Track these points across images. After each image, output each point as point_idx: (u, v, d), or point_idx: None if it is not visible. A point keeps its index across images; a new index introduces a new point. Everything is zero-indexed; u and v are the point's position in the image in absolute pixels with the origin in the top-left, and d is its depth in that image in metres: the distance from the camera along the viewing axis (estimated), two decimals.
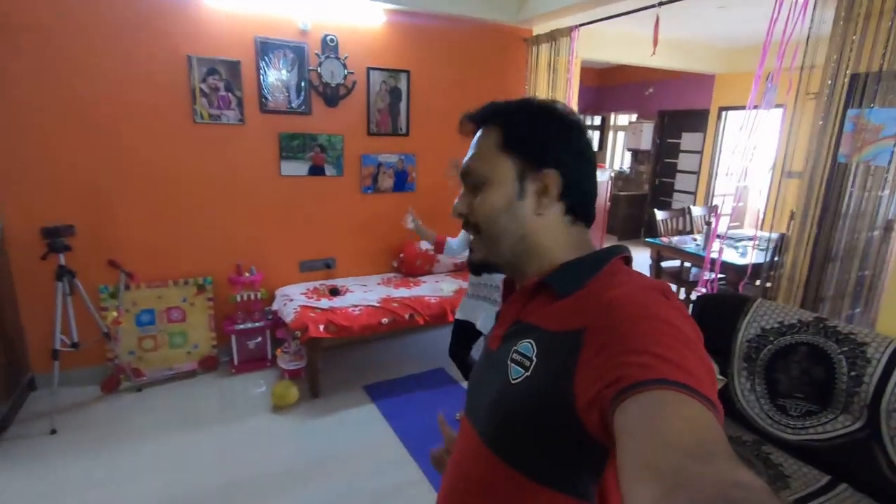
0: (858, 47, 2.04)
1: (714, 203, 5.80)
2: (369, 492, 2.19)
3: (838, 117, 2.09)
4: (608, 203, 6.90)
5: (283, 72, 3.18)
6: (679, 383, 0.42)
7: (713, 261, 3.14)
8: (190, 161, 3.07)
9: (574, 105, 3.94)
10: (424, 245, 3.67)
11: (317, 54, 3.24)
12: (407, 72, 3.57)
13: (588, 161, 0.69)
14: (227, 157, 3.16)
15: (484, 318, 2.42)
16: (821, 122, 2.14)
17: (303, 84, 3.25)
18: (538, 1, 3.56)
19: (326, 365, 3.11)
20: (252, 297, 3.22)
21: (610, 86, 7.65)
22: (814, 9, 2.21)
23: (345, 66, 3.33)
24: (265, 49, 3.10)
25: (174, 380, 3.08)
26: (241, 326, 3.18)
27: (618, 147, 8.10)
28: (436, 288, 3.46)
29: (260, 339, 3.28)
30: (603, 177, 6.75)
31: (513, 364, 0.61)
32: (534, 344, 0.60)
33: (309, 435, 2.59)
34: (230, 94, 3.07)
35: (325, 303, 3.10)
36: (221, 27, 2.98)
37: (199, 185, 3.13)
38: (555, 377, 0.55)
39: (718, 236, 4.15)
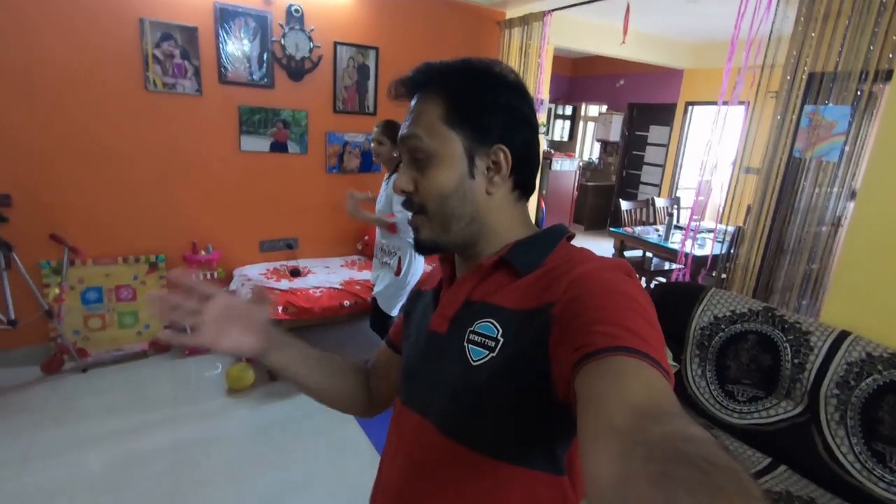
0: (816, 46, 2.09)
1: (677, 195, 5.94)
2: (328, 476, 2.16)
3: (795, 113, 2.15)
4: (576, 193, 6.99)
5: (245, 41, 3.04)
6: (640, 352, 0.44)
7: (686, 255, 3.20)
8: (142, 131, 2.90)
9: (545, 93, 3.94)
10: None
11: (280, 25, 3.10)
12: (376, 48, 3.47)
13: (534, 130, 0.65)
14: (183, 128, 3.01)
15: (381, 283, 2.53)
16: (779, 118, 2.19)
17: (265, 56, 3.11)
18: None
19: None
20: (208, 276, 3.10)
21: (582, 76, 7.69)
22: (776, 7, 2.25)
23: (310, 39, 3.20)
24: (225, 16, 2.94)
25: (123, 361, 2.94)
26: None
27: (588, 137, 8.18)
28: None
29: None
30: (572, 166, 6.82)
31: (471, 345, 0.59)
32: (497, 324, 0.58)
33: (266, 419, 2.53)
34: (186, 63, 2.91)
35: (285, 283, 3.02)
36: None
37: (153, 158, 2.97)
38: (529, 354, 0.54)
39: (683, 228, 4.26)
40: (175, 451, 2.23)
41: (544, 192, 6.04)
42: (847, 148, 2.00)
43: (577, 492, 0.60)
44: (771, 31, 2.24)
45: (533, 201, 5.53)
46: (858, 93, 1.90)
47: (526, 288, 0.59)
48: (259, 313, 0.68)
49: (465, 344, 0.60)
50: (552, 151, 6.95)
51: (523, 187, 0.66)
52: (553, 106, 7.74)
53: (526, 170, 0.65)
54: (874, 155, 1.81)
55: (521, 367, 0.55)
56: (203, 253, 3.12)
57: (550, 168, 6.36)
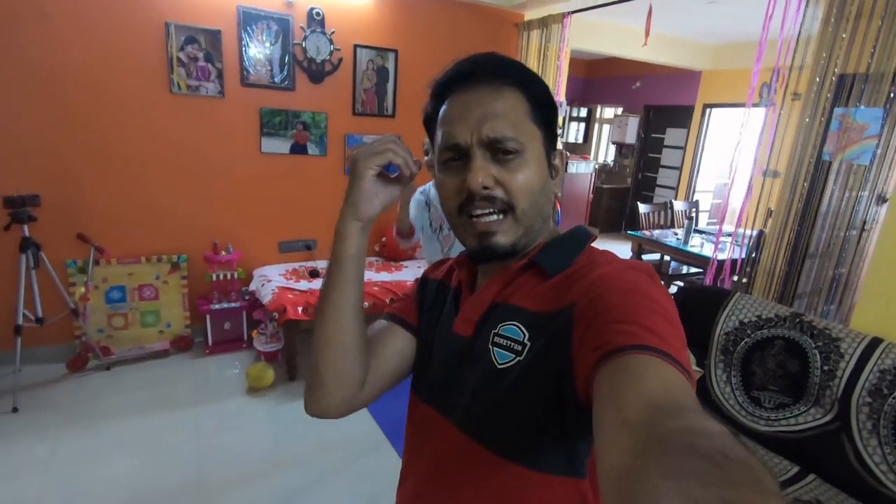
0: (847, 47, 2.05)
1: (695, 198, 5.87)
2: (346, 477, 2.16)
3: (825, 115, 2.11)
4: (591, 195, 6.95)
5: (267, 44, 3.07)
6: (659, 350, 0.44)
7: (719, 261, 3.07)
8: (166, 133, 2.94)
9: (562, 95, 3.92)
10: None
11: (302, 28, 3.13)
12: (395, 51, 3.48)
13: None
14: (206, 130, 3.05)
15: None
16: (807, 120, 2.15)
17: (286, 58, 3.14)
18: None
19: (305, 348, 3.05)
20: (228, 276, 3.13)
21: (597, 78, 7.65)
22: (805, 7, 2.22)
23: (331, 42, 3.23)
24: (248, 19, 2.97)
25: (145, 359, 2.98)
26: (217, 306, 3.10)
27: (603, 140, 8.13)
28: (418, 273, 3.40)
29: (236, 319, 3.20)
30: (587, 169, 6.78)
31: (496, 349, 0.59)
32: (522, 327, 0.58)
33: (285, 418, 2.55)
34: (210, 65, 2.94)
35: (304, 284, 3.04)
36: None
37: (176, 159, 3.01)
38: (552, 357, 0.54)
39: (703, 232, 4.21)
40: (196, 448, 2.26)
41: (560, 194, 6.01)
42: (878, 151, 1.96)
43: (597, 494, 0.59)
44: (799, 32, 2.21)
45: None
46: (892, 94, 1.86)
47: (550, 290, 0.59)
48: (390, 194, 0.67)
49: (490, 346, 0.60)
50: (567, 154, 6.91)
51: None
52: (568, 108, 7.71)
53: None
54: None
55: (545, 369, 0.55)
56: (223, 253, 3.15)
57: (566, 171, 6.33)
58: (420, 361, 0.72)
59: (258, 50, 3.05)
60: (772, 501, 0.27)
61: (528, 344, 0.57)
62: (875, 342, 1.76)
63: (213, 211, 3.19)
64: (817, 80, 2.12)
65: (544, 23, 3.64)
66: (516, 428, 0.57)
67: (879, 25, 1.91)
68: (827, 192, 2.27)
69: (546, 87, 0.63)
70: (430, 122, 0.67)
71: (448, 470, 0.63)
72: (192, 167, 3.06)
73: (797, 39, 2.24)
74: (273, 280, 3.06)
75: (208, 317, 3.09)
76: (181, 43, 2.84)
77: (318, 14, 3.16)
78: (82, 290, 2.77)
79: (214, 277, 3.08)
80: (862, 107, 1.93)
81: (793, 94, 2.31)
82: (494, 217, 0.60)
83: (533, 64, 3.79)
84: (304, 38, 3.14)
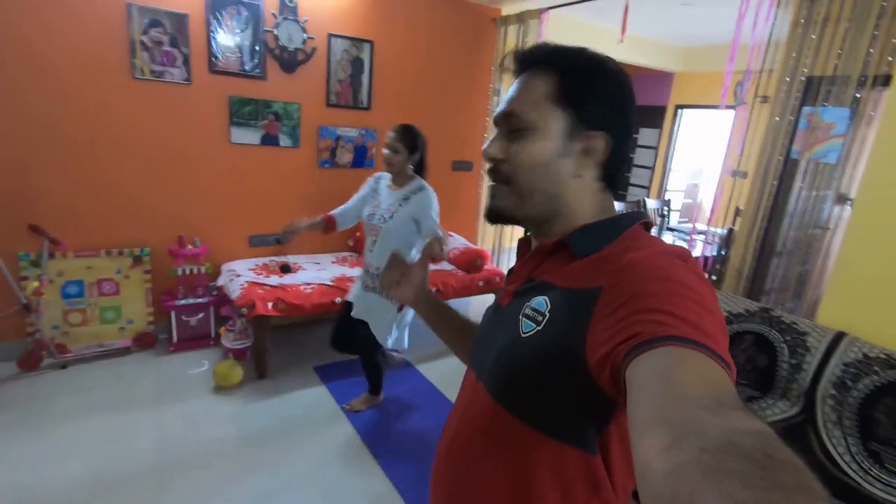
0: (815, 50, 2.11)
1: (667, 197, 5.99)
2: (318, 478, 2.10)
3: (792, 115, 2.16)
4: None
5: (237, 30, 2.96)
6: (694, 341, 0.42)
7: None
8: (128, 120, 2.80)
9: None
10: None
11: (273, 14, 3.03)
12: (371, 42, 3.41)
13: (630, 133, 0.68)
14: (172, 118, 2.92)
15: (375, 311, 2.27)
16: (777, 119, 2.20)
17: (258, 46, 3.04)
18: None
19: (275, 345, 2.97)
20: (195, 271, 3.02)
21: None
22: (776, 11, 2.26)
23: (304, 31, 3.14)
24: (216, 4, 2.86)
25: (105, 357, 2.84)
26: (182, 302, 2.98)
27: None
28: None
29: (202, 315, 3.08)
30: None
31: (524, 319, 0.62)
32: (548, 300, 0.61)
33: (253, 417, 2.46)
34: (176, 50, 2.82)
35: (275, 280, 2.95)
36: None
37: (139, 147, 2.87)
38: (566, 333, 0.56)
39: (675, 230, 4.28)
40: (159, 450, 2.16)
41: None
42: (843, 151, 2.02)
43: (613, 478, 0.61)
44: (770, 36, 2.25)
45: None
46: (857, 96, 1.92)
47: (580, 270, 0.60)
48: (420, 275, 0.98)
49: (520, 317, 0.63)
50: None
51: (610, 180, 0.68)
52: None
53: (616, 164, 0.66)
54: (873, 158, 1.82)
55: (557, 344, 0.56)
56: (190, 247, 3.03)
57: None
58: (476, 332, 0.81)
59: (228, 36, 2.94)
60: None
61: (548, 316, 0.60)
62: (840, 336, 1.81)
63: (180, 203, 3.06)
64: (787, 79, 2.17)
65: (521, 18, 3.63)
66: (531, 394, 0.61)
67: (846, 28, 1.96)
68: (794, 192, 2.33)
69: (583, 72, 0.64)
70: None
71: (475, 426, 0.68)
72: (156, 156, 2.93)
73: (768, 43, 2.28)
74: (242, 275, 2.96)
75: (173, 313, 2.97)
76: (144, 26, 2.70)
77: (290, 1, 3.06)
78: (35, 284, 2.62)
79: (180, 272, 2.96)
80: (829, 106, 1.98)
81: (762, 96, 2.36)
82: (500, 185, 0.68)
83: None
84: (276, 26, 3.05)
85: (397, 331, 2.32)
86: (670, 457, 0.32)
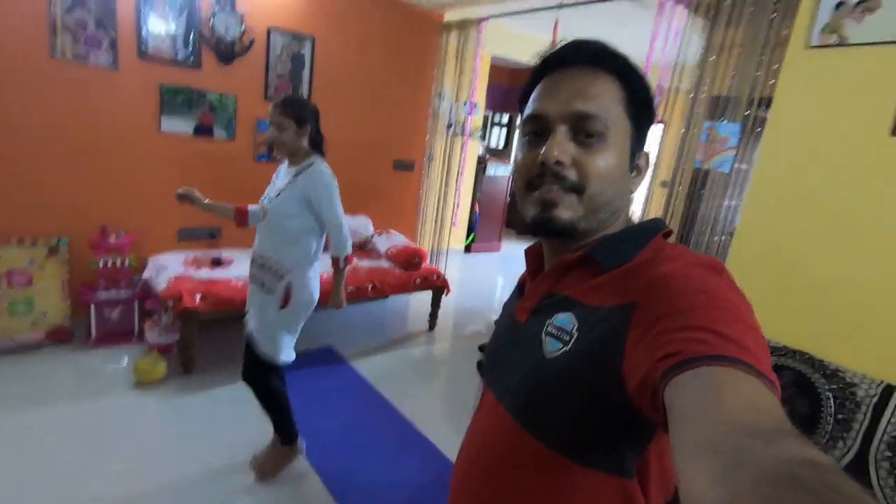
0: (716, 72, 2.35)
1: None
2: (244, 476, 2.07)
3: (696, 129, 2.39)
4: (508, 198, 7.23)
5: (169, 16, 2.88)
6: (738, 360, 0.40)
7: None
8: (47, 102, 2.67)
9: (482, 100, 4.06)
10: None
11: (210, 3, 2.98)
12: (312, 38, 3.42)
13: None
14: (96, 103, 2.80)
15: (258, 316, 1.88)
16: (682, 130, 2.43)
17: (192, 35, 2.98)
18: None
19: (204, 340, 2.90)
20: (118, 263, 2.90)
21: (519, 87, 7.96)
22: (683, 36, 2.51)
23: (241, 23, 3.10)
24: None
25: (14, 352, 2.68)
26: (103, 295, 2.85)
27: None
28: (327, 265, 3.37)
29: (125, 310, 2.96)
30: (505, 172, 7.05)
31: (548, 338, 0.58)
32: (574, 318, 0.57)
33: (177, 414, 2.40)
34: (101, 33, 2.71)
35: (205, 273, 2.89)
36: None
37: (60, 132, 2.74)
38: (600, 353, 0.52)
39: None
40: (74, 448, 2.07)
41: (479, 195, 6.20)
42: (737, 165, 2.26)
43: (648, 498, 0.57)
44: (678, 57, 2.48)
45: (466, 205, 5.65)
46: (747, 113, 2.16)
47: (607, 284, 0.56)
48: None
49: (544, 336, 0.59)
50: (487, 157, 7.14)
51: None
52: (490, 114, 7.97)
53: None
54: (757, 172, 2.05)
55: (593, 364, 0.53)
56: (113, 238, 2.91)
57: (485, 173, 6.53)
58: (490, 347, 0.75)
59: (160, 22, 2.86)
60: None
61: (576, 335, 0.55)
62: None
63: (103, 192, 2.93)
64: (692, 96, 2.40)
65: (462, 26, 3.76)
66: (559, 419, 0.56)
67: (738, 54, 2.20)
68: (701, 200, 2.56)
69: (647, 86, 0.61)
70: (523, 101, 0.67)
71: (491, 447, 0.64)
72: (79, 142, 2.80)
73: (675, 64, 2.51)
74: (170, 268, 2.88)
75: (93, 306, 2.83)
76: (67, 6, 2.59)
77: None
78: None
79: (101, 264, 2.84)
80: (725, 121, 2.22)
81: (669, 113, 2.60)
82: (567, 193, 0.59)
83: (451, 65, 3.90)
84: (213, 15, 3.00)
85: (290, 336, 1.92)
86: (725, 488, 0.30)
